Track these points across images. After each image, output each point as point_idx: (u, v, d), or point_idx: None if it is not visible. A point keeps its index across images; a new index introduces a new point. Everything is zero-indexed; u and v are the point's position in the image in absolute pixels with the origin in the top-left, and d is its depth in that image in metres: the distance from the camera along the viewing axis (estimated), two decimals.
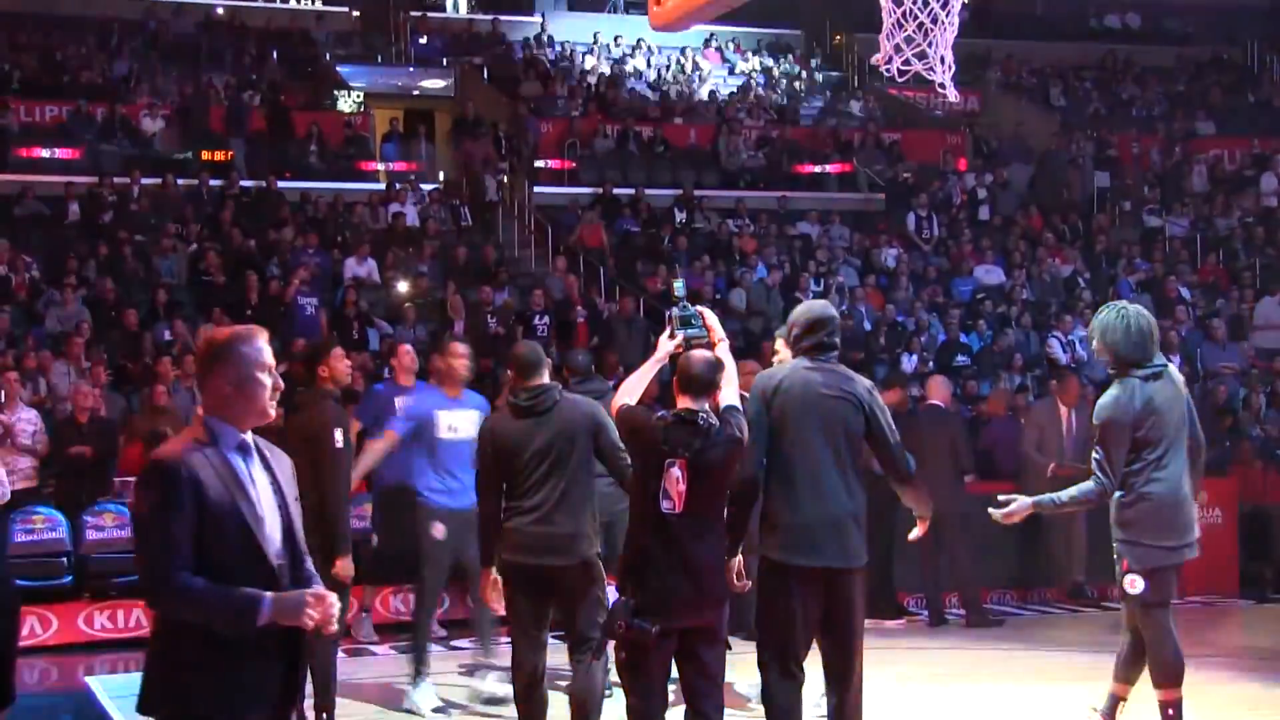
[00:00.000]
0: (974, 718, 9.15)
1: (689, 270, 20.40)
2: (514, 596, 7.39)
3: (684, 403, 6.26)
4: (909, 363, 18.40)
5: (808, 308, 7.13)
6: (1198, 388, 18.65)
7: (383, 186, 22.47)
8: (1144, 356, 7.40)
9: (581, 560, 7.30)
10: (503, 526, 7.36)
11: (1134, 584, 7.16)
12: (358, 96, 26.12)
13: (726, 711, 6.48)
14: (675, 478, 6.14)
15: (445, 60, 28.26)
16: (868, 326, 19.57)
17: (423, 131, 25.46)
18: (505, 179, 23.16)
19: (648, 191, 23.31)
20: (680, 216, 22.82)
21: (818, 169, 25.53)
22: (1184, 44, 32.22)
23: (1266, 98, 30.42)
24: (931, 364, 18.28)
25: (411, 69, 28.19)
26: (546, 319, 18.59)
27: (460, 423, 9.17)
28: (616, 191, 23.22)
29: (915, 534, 7.12)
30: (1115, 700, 7.74)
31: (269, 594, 4.29)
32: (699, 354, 6.42)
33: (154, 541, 4.28)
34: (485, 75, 27.61)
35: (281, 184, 21.71)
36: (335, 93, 26.21)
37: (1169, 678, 7.46)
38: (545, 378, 7.48)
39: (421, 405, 9.45)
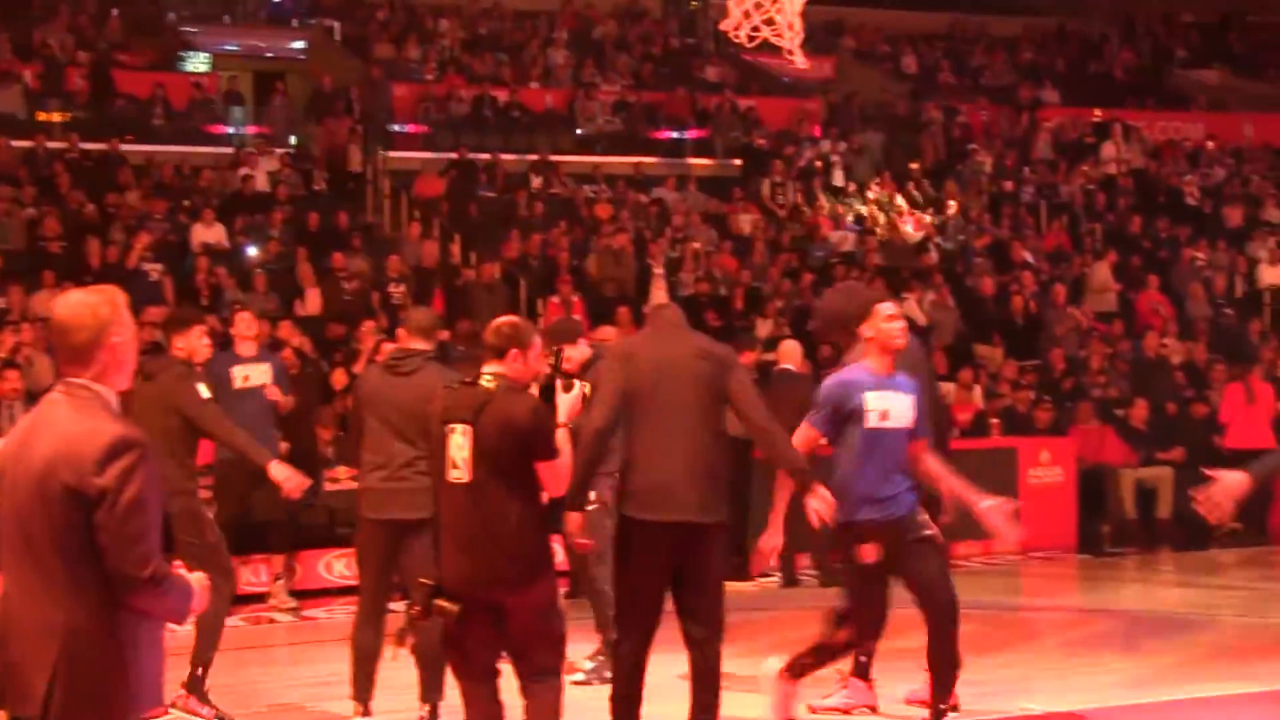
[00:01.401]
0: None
1: (546, 237, 20.44)
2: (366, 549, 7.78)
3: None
4: (764, 328, 18.61)
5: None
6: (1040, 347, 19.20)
7: (231, 150, 22.19)
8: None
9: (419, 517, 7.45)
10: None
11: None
12: (205, 57, 25.71)
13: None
14: (458, 444, 6.02)
15: (296, 21, 27.92)
16: (723, 292, 19.77)
17: (274, 94, 25.10)
18: (364, 150, 22.96)
19: (503, 157, 23.29)
20: (536, 182, 22.84)
21: (674, 135, 25.67)
22: (1031, 15, 32.81)
23: (1108, 69, 31.10)
24: (786, 329, 18.52)
25: (261, 30, 27.79)
26: (402, 285, 18.54)
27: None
28: (472, 156, 23.17)
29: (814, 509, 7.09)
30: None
31: (191, 577, 4.17)
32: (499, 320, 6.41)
33: (147, 524, 3.98)
34: (338, 37, 27.36)
35: (124, 147, 21.22)
36: (181, 53, 25.77)
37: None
38: (424, 344, 7.78)
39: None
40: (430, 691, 7.68)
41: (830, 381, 7.31)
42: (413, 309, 8.22)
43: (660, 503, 6.83)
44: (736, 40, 8.60)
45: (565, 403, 6.31)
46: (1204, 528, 15.77)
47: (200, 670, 8.26)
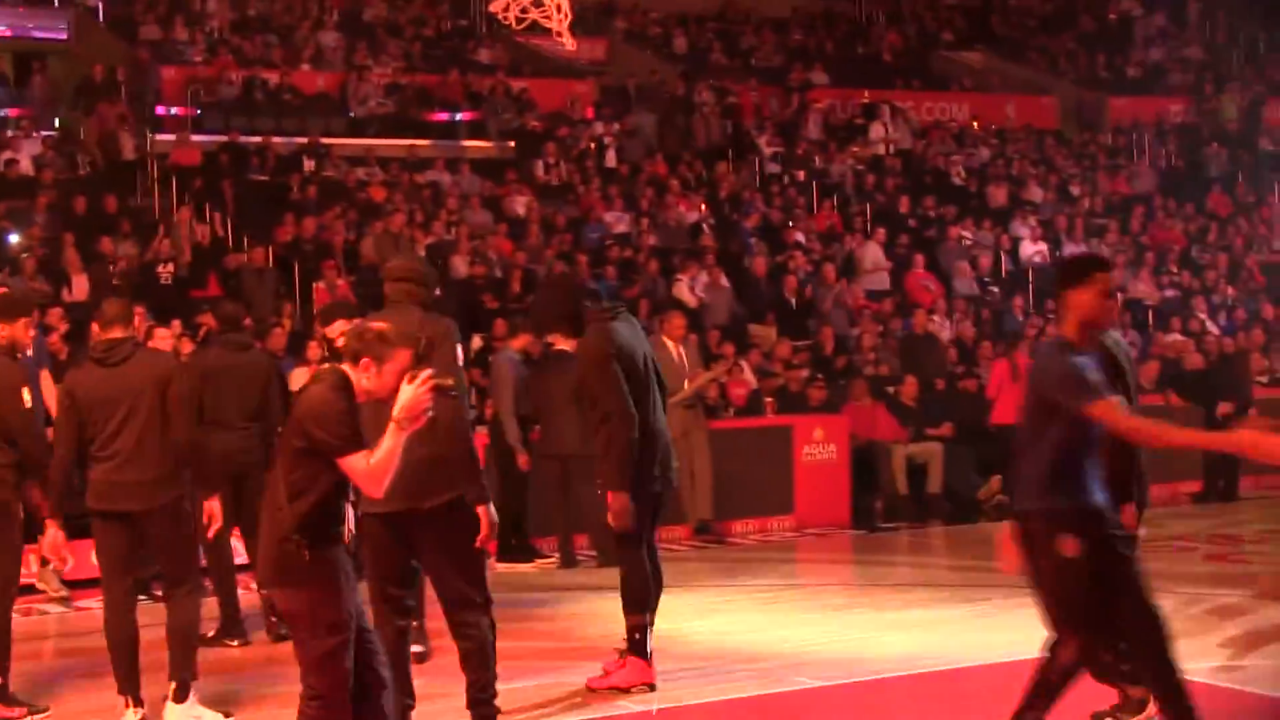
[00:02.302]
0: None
1: (320, 220, 20.17)
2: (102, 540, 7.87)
3: None
4: None
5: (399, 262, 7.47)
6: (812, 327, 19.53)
7: None
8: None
9: (160, 505, 7.69)
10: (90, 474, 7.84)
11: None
12: None
13: None
14: None
15: (58, 1, 27.11)
16: (499, 274, 19.73)
17: (35, 75, 24.34)
18: (138, 137, 22.35)
19: (275, 140, 22.94)
20: (308, 165, 22.53)
21: (447, 117, 25.53)
22: None
23: (875, 51, 31.74)
24: None
25: (21, 10, 26.91)
26: (171, 268, 18.18)
27: None
28: (243, 139, 22.77)
29: None
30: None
31: None
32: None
33: None
34: (101, 18, 26.65)
35: None
36: None
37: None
38: (121, 331, 7.82)
39: None
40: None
41: (1084, 358, 6.37)
42: (104, 302, 8.15)
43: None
44: (506, 22, 8.63)
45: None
46: (972, 502, 16.31)
47: (2, 679, 8.09)
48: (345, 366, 5.77)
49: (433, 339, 6.84)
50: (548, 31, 8.63)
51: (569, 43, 8.28)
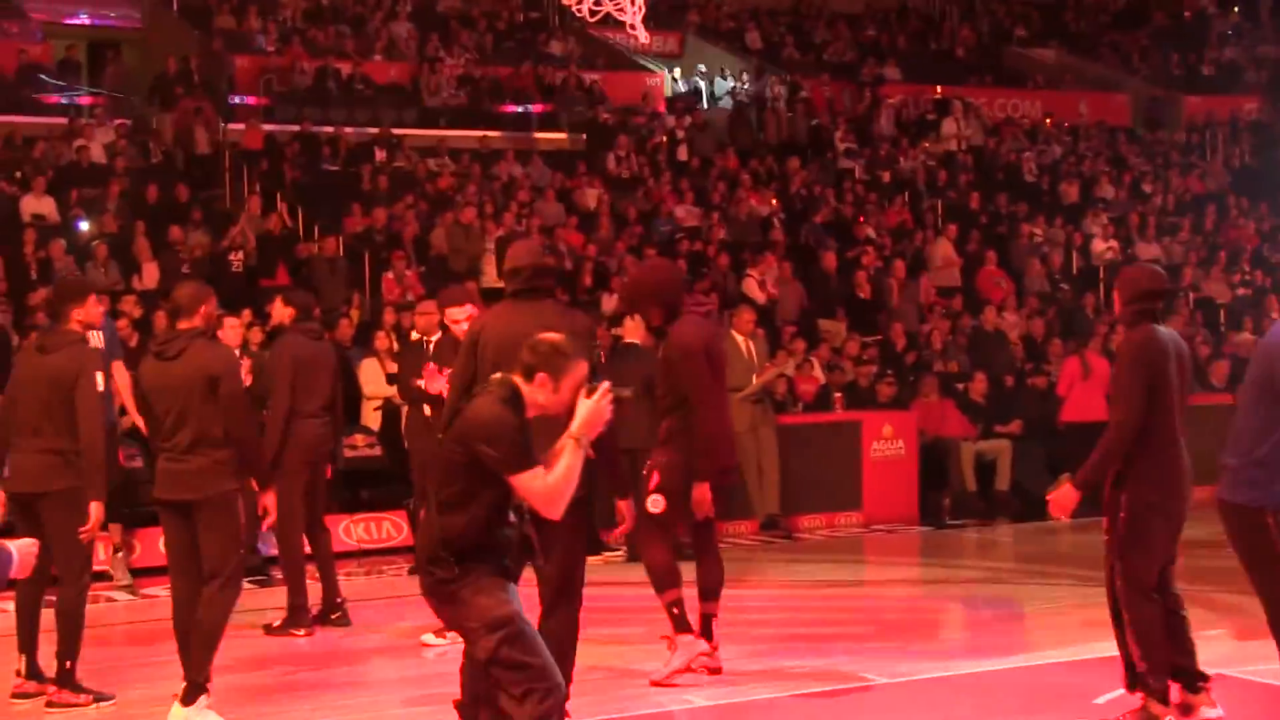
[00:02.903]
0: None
1: (390, 211, 20.24)
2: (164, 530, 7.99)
3: None
4: (609, 302, 18.61)
5: (526, 250, 7.33)
6: (882, 322, 19.42)
7: (65, 121, 21.67)
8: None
9: (207, 496, 7.69)
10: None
11: (656, 503, 7.54)
12: (36, 25, 25.05)
13: None
14: None
15: None
16: (569, 266, 19.73)
17: (110, 64, 24.52)
18: (213, 130, 22.43)
19: (346, 130, 23.04)
20: (380, 155, 22.61)
21: (519, 109, 25.55)
22: None
23: (948, 46, 31.54)
24: None
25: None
26: (241, 257, 18.29)
27: None
28: (315, 129, 22.88)
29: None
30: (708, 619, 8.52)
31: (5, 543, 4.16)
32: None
33: None
34: (175, 6, 26.84)
35: None
36: (9, 20, 25.08)
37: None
38: (186, 322, 7.82)
39: None
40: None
41: None
42: (175, 290, 8.13)
43: None
44: (579, 14, 8.61)
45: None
46: (1040, 500, 16.15)
47: (69, 664, 8.15)
48: (517, 379, 5.45)
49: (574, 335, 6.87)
50: (621, 24, 8.60)
51: (643, 35, 8.26)
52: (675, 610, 8.39)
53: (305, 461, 10.05)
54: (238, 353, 10.96)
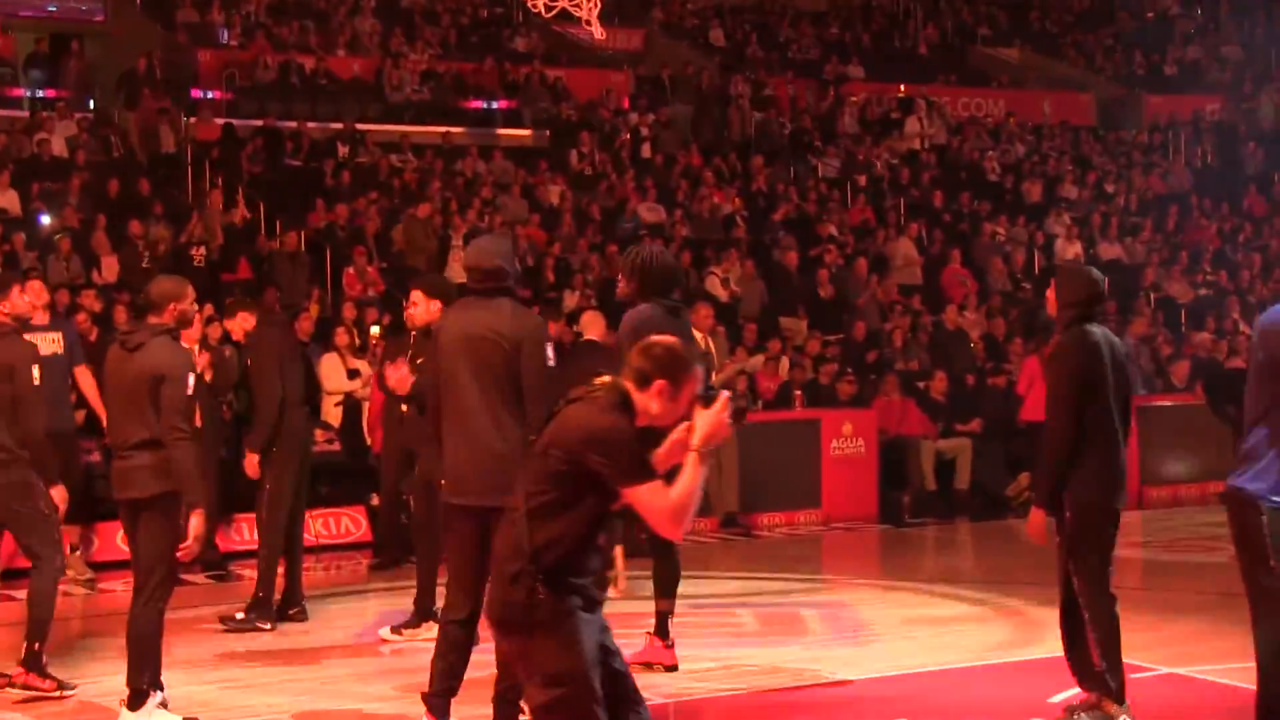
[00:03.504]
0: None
1: (353, 206, 20.20)
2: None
3: None
4: (571, 299, 18.60)
5: (477, 251, 7.28)
6: (844, 321, 19.46)
7: (26, 114, 21.54)
8: (668, 290, 8.29)
9: (150, 495, 7.56)
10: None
11: None
12: None
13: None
14: None
15: None
16: (531, 262, 19.71)
17: (70, 57, 24.33)
18: (178, 130, 22.28)
19: (309, 125, 22.97)
20: (343, 150, 22.55)
21: (483, 105, 25.51)
22: None
23: (912, 45, 31.61)
24: (594, 300, 18.51)
25: None
26: (203, 251, 18.22)
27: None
28: (278, 124, 22.80)
29: None
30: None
31: None
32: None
33: None
34: (138, 0, 26.72)
35: None
36: None
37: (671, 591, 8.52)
38: (155, 317, 7.70)
39: None
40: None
41: None
42: (156, 280, 8.04)
43: (458, 486, 6.87)
44: (535, 9, 8.60)
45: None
46: (1000, 499, 16.24)
47: (37, 645, 8.15)
48: (628, 385, 4.98)
49: (521, 335, 6.87)
50: (579, 20, 8.61)
51: (598, 32, 8.27)
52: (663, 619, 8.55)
53: (293, 451, 10.10)
54: (196, 348, 10.94)
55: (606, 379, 5.06)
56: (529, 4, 8.42)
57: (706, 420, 4.91)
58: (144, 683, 7.55)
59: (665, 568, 8.56)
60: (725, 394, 5.00)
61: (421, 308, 8.97)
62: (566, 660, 4.83)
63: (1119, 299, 21.19)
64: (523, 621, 4.87)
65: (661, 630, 8.55)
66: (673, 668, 8.53)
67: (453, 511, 6.95)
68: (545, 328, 7.13)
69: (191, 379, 7.58)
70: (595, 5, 8.06)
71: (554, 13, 8.37)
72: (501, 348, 6.85)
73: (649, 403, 4.95)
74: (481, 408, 6.84)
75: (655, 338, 5.17)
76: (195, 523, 7.38)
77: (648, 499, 4.81)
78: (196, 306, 8.06)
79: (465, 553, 6.89)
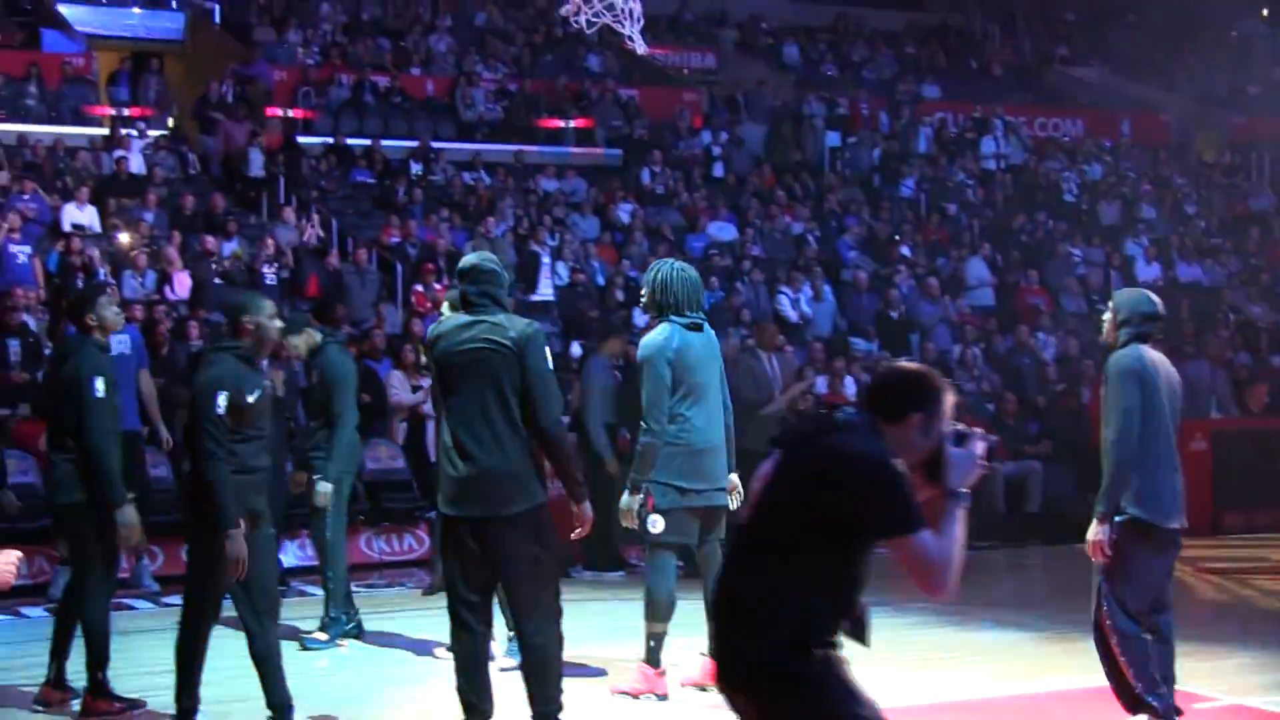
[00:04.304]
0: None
1: (424, 223, 20.30)
2: None
3: None
4: (642, 318, 18.56)
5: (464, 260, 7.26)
6: (915, 341, 19.31)
7: (106, 131, 21.78)
8: (692, 307, 8.20)
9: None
10: None
11: (656, 523, 7.40)
12: (80, 37, 25.21)
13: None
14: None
15: (175, 2, 27.48)
16: (601, 281, 19.72)
17: (151, 74, 24.58)
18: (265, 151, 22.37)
19: (383, 143, 23.08)
20: (416, 168, 22.64)
21: (555, 124, 25.55)
22: (913, 9, 33.06)
23: (988, 64, 31.40)
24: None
25: (138, 10, 27.30)
26: (275, 268, 18.32)
27: None
28: (351, 142, 22.93)
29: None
30: None
31: None
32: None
33: None
34: (217, 19, 26.98)
35: None
36: (54, 32, 25.23)
37: (657, 614, 8.28)
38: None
39: None
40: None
41: None
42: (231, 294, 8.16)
43: (454, 499, 6.87)
44: (577, 25, 8.61)
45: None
46: (1070, 521, 16.01)
47: (100, 673, 8.19)
48: (877, 417, 4.44)
49: (522, 340, 6.81)
50: (660, 40, 8.63)
51: (641, 47, 8.27)
52: (651, 644, 8.39)
53: (348, 471, 10.13)
54: (266, 364, 10.96)
55: (852, 412, 4.53)
56: (570, 19, 8.39)
57: (962, 458, 4.38)
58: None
59: (657, 590, 8.38)
60: (977, 430, 4.49)
61: None
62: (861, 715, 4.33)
63: (1197, 320, 20.94)
64: (796, 686, 4.26)
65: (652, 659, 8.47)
66: (660, 696, 8.45)
67: (450, 524, 6.91)
68: (543, 332, 7.10)
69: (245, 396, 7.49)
70: (638, 22, 8.04)
71: (596, 29, 8.36)
72: (503, 355, 6.80)
73: (905, 435, 4.39)
74: (482, 417, 6.78)
75: (902, 363, 4.73)
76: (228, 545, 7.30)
77: (919, 549, 4.25)
78: (278, 322, 8.12)
79: (468, 566, 6.86)
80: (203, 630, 7.60)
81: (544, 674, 6.90)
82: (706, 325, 8.40)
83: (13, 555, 4.25)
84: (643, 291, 8.45)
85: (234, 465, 7.31)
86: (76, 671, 8.33)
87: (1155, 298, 7.50)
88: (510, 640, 9.14)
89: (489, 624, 7.04)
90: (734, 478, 8.58)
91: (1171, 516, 7.09)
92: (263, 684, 7.50)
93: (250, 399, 7.43)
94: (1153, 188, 26.39)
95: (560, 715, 6.96)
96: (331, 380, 9.99)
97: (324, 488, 9.86)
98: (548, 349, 6.97)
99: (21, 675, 8.64)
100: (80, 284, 16.77)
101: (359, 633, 10.26)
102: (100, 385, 8.10)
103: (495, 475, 6.74)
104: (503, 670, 9.06)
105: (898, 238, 22.50)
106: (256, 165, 21.70)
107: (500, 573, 6.89)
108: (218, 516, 7.23)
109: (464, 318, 6.94)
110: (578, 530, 7.06)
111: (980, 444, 4.43)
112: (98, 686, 8.19)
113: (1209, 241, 24.65)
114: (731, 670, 4.35)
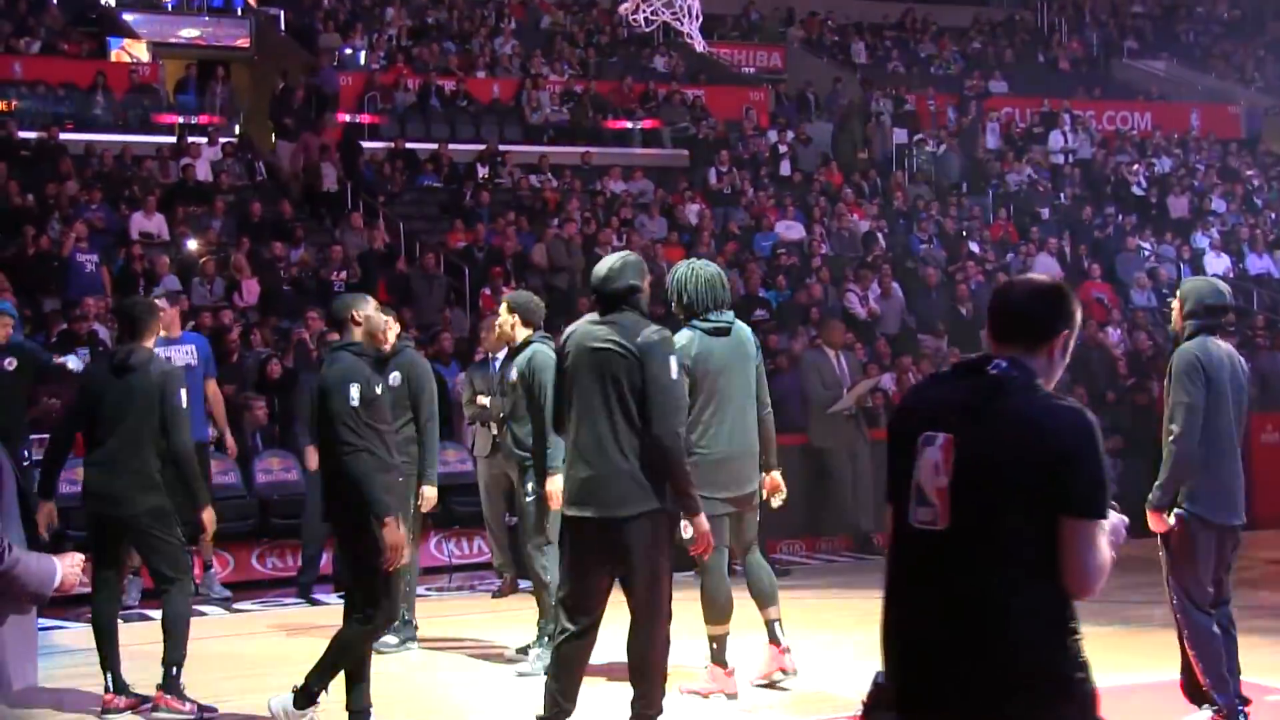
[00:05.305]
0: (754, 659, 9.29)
1: (492, 226, 20.34)
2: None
3: None
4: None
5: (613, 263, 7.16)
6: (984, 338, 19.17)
7: (173, 140, 21.97)
8: (710, 308, 8.07)
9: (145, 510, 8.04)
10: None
11: (686, 529, 7.37)
12: (145, 46, 25.43)
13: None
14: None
15: (240, 9, 27.71)
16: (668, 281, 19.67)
17: (217, 82, 24.79)
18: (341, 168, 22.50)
19: (450, 146, 23.18)
20: (483, 172, 22.72)
21: (622, 125, 25.57)
22: (980, 4, 32.89)
23: (1055, 59, 31.19)
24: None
25: (205, 18, 27.53)
26: (344, 274, 18.44)
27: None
28: (418, 146, 23.04)
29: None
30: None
31: (53, 558, 4.18)
32: None
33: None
34: (282, 26, 27.18)
35: (64, 136, 21.06)
36: (121, 41, 25.48)
37: (717, 616, 8.18)
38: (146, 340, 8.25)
39: None
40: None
41: None
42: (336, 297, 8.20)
43: (578, 498, 6.79)
44: (635, 23, 8.59)
45: None
46: (1141, 515, 15.87)
47: (175, 670, 8.24)
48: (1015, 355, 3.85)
49: (645, 348, 6.70)
50: (729, 39, 8.61)
51: (700, 45, 8.26)
52: (715, 645, 8.30)
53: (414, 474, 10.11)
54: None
55: (1001, 361, 3.81)
56: (629, 18, 8.40)
57: (1120, 526, 3.95)
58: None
59: (714, 593, 8.27)
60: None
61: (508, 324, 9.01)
62: None
63: (1268, 313, 20.72)
64: (1069, 690, 3.81)
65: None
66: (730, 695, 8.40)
67: (569, 523, 6.89)
68: (670, 340, 6.95)
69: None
70: (696, 19, 8.05)
71: (654, 27, 8.36)
72: (625, 360, 6.77)
73: (1051, 360, 3.82)
74: (605, 418, 6.75)
75: (1024, 278, 4.15)
76: None
77: (1096, 542, 3.71)
78: (386, 316, 8.18)
79: (583, 567, 6.85)
80: (370, 630, 7.55)
81: (648, 674, 6.85)
82: (738, 326, 8.23)
83: (78, 557, 4.29)
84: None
85: (375, 463, 7.33)
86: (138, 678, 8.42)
87: (1224, 286, 7.42)
88: (532, 648, 9.20)
89: (595, 627, 6.92)
90: (776, 475, 8.52)
91: (1232, 513, 7.04)
92: (346, 686, 7.53)
93: (378, 390, 7.47)
94: (1222, 180, 26.13)
95: (660, 719, 6.92)
96: (419, 383, 9.91)
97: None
98: (673, 358, 6.77)
99: (95, 683, 8.69)
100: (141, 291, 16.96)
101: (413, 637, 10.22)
102: (183, 394, 8.27)
103: (613, 476, 6.68)
104: (520, 675, 9.11)
105: (966, 234, 22.40)
106: (330, 179, 21.78)
107: (615, 573, 6.84)
108: (372, 507, 7.22)
109: (595, 319, 6.90)
110: (691, 546, 6.98)
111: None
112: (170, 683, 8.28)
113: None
114: (975, 695, 3.75)
